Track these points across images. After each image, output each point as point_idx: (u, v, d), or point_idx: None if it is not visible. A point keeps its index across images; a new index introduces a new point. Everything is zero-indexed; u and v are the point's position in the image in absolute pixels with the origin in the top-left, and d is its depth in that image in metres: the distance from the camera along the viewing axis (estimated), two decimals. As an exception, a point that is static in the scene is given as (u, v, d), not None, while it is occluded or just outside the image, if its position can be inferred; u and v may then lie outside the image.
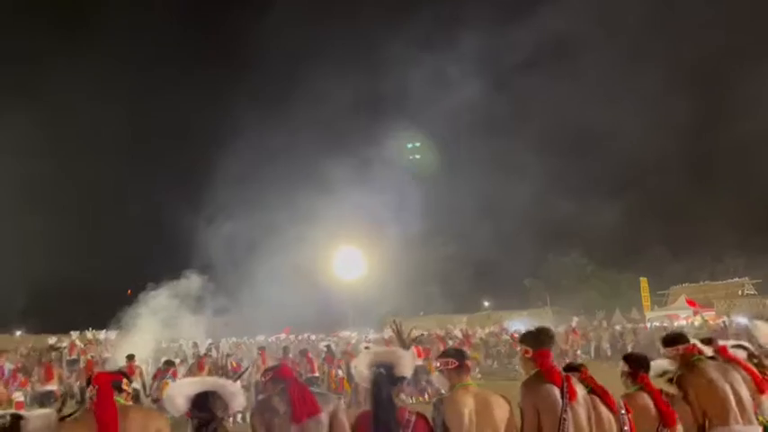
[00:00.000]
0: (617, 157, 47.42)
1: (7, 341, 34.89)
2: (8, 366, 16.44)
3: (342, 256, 40.21)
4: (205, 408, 2.82)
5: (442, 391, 3.11)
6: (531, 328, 3.60)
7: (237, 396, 2.93)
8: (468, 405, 3.12)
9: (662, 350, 4.31)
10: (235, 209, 33.28)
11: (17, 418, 2.61)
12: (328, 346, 15.71)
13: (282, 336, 29.77)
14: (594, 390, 3.55)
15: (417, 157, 65.53)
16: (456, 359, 3.37)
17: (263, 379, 2.95)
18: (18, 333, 44.35)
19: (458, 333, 22.99)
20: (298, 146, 45.58)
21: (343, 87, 51.64)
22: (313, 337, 28.58)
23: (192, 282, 15.80)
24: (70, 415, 5.07)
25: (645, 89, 52.63)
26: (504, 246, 41.25)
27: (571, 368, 3.76)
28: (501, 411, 3.16)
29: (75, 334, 21.80)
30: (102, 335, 20.05)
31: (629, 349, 24.76)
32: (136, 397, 8.52)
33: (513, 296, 48.27)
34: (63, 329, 36.86)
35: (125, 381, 2.97)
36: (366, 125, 54.44)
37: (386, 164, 38.04)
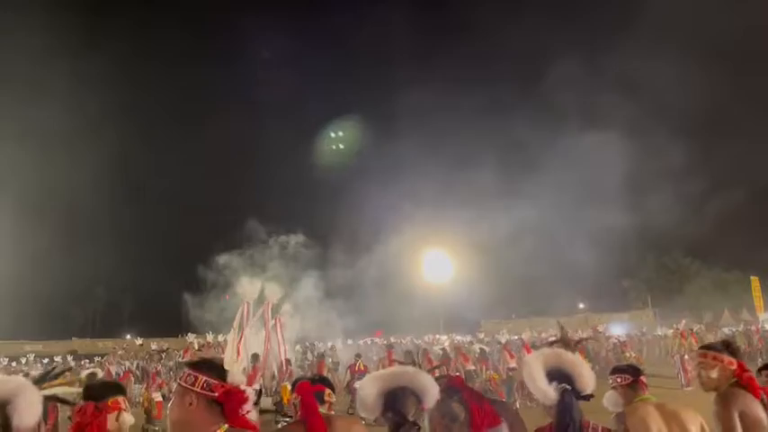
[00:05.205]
0: (718, 150, 43.98)
1: (120, 345, 37.58)
2: (114, 369, 17.90)
3: (430, 260, 40.17)
4: (396, 408, 2.43)
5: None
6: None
7: (432, 390, 2.52)
8: (654, 419, 3.00)
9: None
10: (331, 215, 34.07)
11: None
12: (444, 349, 16.92)
13: (371, 340, 30.04)
14: None
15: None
16: (630, 374, 3.37)
17: None
18: (128, 336, 47.38)
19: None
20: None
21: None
22: (404, 341, 28.62)
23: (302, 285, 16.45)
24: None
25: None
26: (599, 245, 39.57)
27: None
28: (695, 426, 2.99)
29: (191, 336, 22.84)
30: (216, 337, 20.87)
31: (741, 353, 23.11)
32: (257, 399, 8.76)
33: (609, 298, 46.35)
34: (171, 333, 39.30)
35: (327, 391, 3.00)
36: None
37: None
